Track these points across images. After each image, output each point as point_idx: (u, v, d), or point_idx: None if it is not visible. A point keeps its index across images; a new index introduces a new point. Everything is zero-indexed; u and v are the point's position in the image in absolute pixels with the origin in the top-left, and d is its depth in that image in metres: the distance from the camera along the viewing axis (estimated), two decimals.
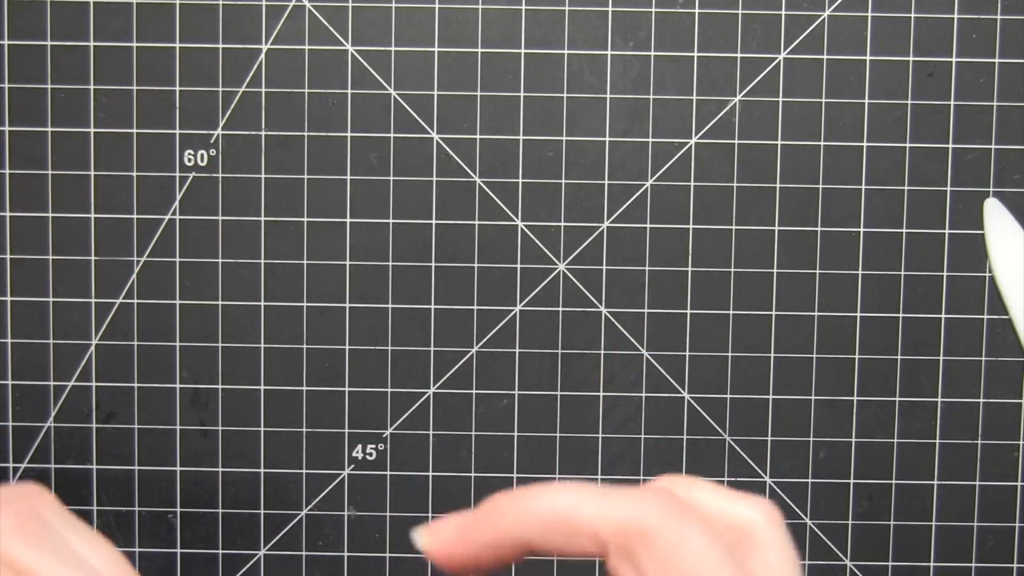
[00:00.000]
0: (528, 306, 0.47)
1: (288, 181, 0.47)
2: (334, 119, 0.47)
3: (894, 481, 0.48)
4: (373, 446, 0.48)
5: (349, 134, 0.47)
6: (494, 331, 0.47)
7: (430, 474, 0.48)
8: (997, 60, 0.47)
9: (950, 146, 0.47)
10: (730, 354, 0.47)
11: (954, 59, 0.47)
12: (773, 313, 0.47)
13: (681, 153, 0.47)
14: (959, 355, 0.47)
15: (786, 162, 0.47)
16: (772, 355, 0.47)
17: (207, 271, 0.47)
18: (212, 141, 0.47)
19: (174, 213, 0.47)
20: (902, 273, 0.47)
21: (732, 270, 0.47)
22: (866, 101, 0.47)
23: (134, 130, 0.47)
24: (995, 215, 0.45)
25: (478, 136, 0.47)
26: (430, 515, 0.47)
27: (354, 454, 0.48)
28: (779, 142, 0.47)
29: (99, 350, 0.47)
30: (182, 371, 0.47)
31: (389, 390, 0.48)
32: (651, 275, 0.47)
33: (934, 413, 0.47)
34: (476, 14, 0.47)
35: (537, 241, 0.47)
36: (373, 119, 0.47)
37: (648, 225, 0.47)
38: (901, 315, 0.47)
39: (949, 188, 0.47)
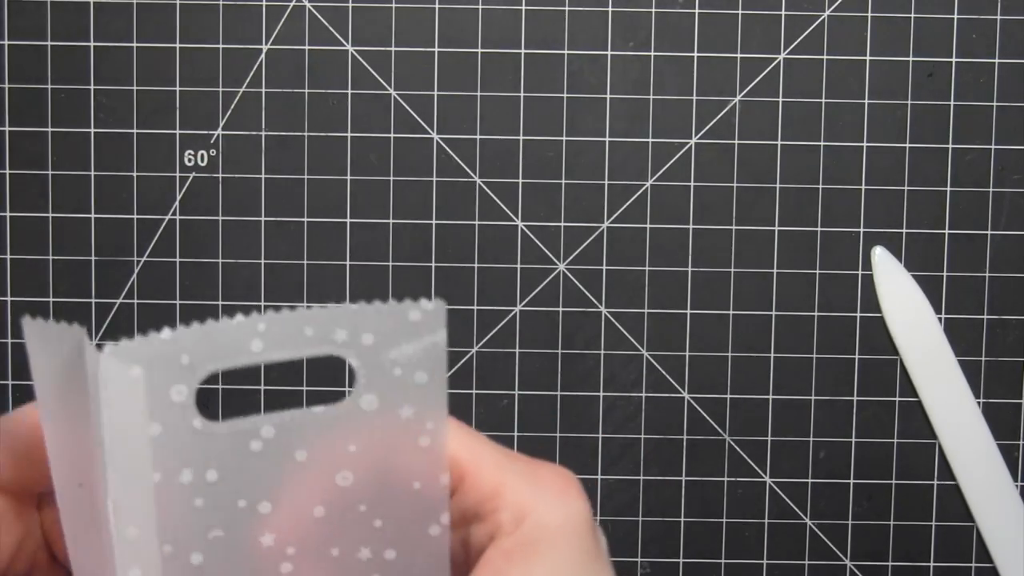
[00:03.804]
0: (528, 306, 0.47)
1: (288, 181, 0.47)
2: (334, 119, 0.47)
3: (894, 481, 0.48)
4: None
5: (349, 134, 0.47)
6: (494, 331, 0.47)
7: None
8: (997, 60, 0.47)
9: (950, 146, 0.47)
10: (730, 354, 0.47)
11: (954, 59, 0.47)
12: (773, 313, 0.47)
13: (681, 153, 0.47)
14: (959, 355, 0.47)
15: (786, 162, 0.47)
16: (772, 355, 0.47)
17: (207, 271, 0.47)
18: (212, 141, 0.47)
19: (174, 213, 0.47)
20: None
21: (732, 270, 0.47)
22: (866, 101, 0.47)
23: (134, 130, 0.47)
24: (884, 263, 0.46)
25: (478, 136, 0.47)
26: None
27: None
28: (779, 142, 0.47)
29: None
30: None
31: None
32: (651, 275, 0.47)
33: None
34: (476, 14, 0.47)
35: (537, 241, 0.47)
36: (373, 119, 0.47)
37: (648, 225, 0.47)
38: None
39: (949, 188, 0.47)
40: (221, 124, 0.47)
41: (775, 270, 0.47)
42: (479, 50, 0.47)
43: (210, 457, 0.22)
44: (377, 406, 0.22)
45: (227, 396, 0.47)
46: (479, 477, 0.24)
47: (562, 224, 0.47)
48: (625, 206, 0.47)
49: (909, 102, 0.47)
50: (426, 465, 0.23)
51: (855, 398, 0.47)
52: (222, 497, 0.22)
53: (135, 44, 0.47)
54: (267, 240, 0.47)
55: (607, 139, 0.47)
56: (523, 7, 0.46)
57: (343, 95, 0.47)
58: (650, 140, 0.47)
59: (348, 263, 0.47)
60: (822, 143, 0.47)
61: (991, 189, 0.47)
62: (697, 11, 0.46)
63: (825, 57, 0.46)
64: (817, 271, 0.47)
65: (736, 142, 0.47)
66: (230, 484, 0.22)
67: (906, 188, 0.47)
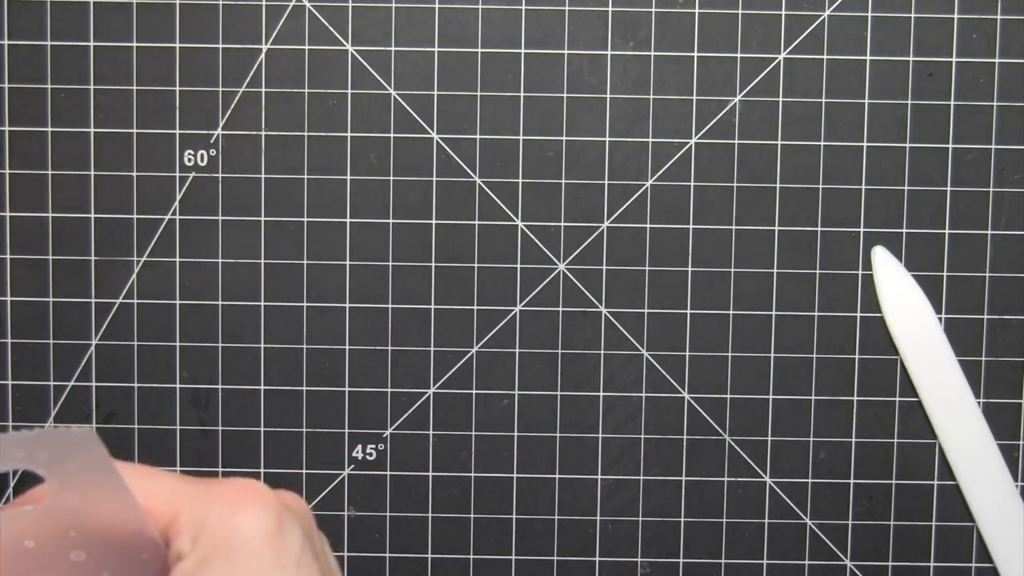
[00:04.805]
0: (528, 306, 0.47)
1: (288, 181, 0.47)
2: (334, 119, 0.47)
3: (894, 481, 0.48)
4: (373, 446, 0.48)
5: (349, 134, 0.47)
6: (494, 331, 0.47)
7: (430, 474, 0.48)
8: (997, 60, 0.47)
9: (950, 146, 0.47)
10: (730, 354, 0.47)
11: (954, 59, 0.47)
12: (773, 313, 0.47)
13: (681, 153, 0.47)
14: (959, 355, 0.47)
15: (786, 162, 0.47)
16: (772, 355, 0.47)
17: (207, 271, 0.47)
18: (212, 141, 0.47)
19: (174, 213, 0.47)
20: None
21: (732, 270, 0.47)
22: (866, 101, 0.47)
23: (134, 130, 0.47)
24: (884, 263, 0.46)
25: (478, 136, 0.47)
26: (430, 515, 0.48)
27: (354, 454, 0.48)
28: (779, 142, 0.47)
29: (99, 350, 0.47)
30: (182, 371, 0.47)
31: (389, 390, 0.48)
32: (651, 275, 0.47)
33: None
34: (476, 14, 0.47)
35: (537, 241, 0.47)
36: (373, 119, 0.47)
37: (648, 225, 0.47)
38: None
39: (949, 188, 0.47)
40: (221, 124, 0.47)
41: (775, 270, 0.47)
42: (479, 50, 0.47)
43: None
44: (79, 502, 0.24)
45: (227, 395, 0.47)
46: (155, 511, 0.25)
47: (562, 224, 0.47)
48: (625, 206, 0.47)
49: (909, 102, 0.47)
50: (145, 542, 0.25)
51: (855, 398, 0.47)
52: None
53: (135, 44, 0.47)
54: (267, 240, 0.47)
55: (607, 139, 0.47)
56: (523, 7, 0.46)
57: (343, 95, 0.47)
58: (650, 140, 0.47)
59: (348, 263, 0.47)
60: (822, 143, 0.47)
61: (991, 189, 0.47)
62: (697, 11, 0.46)
63: (825, 57, 0.46)
64: (817, 271, 0.47)
65: (736, 142, 0.47)
66: None
67: (906, 188, 0.47)
